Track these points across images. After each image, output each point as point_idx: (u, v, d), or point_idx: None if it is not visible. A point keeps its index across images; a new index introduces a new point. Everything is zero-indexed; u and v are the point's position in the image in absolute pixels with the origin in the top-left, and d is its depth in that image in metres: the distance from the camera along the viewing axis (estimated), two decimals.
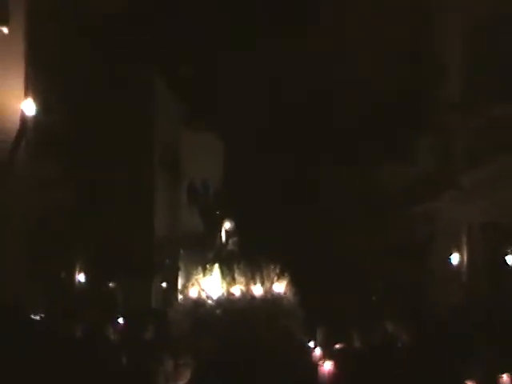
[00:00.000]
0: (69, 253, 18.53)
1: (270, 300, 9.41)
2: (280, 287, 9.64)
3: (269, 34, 23.89)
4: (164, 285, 22.86)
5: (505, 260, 17.64)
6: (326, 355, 11.32)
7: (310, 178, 24.92)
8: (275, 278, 9.68)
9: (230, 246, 10.31)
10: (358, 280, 22.39)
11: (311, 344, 11.93)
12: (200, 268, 9.87)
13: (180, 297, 10.06)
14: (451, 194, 19.51)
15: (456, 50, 19.71)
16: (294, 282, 9.81)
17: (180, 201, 23.30)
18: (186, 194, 17.96)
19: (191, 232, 20.21)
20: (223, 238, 10.43)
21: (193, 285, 9.74)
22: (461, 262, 19.13)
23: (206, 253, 11.76)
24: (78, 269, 19.21)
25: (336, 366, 11.76)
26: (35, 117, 15.15)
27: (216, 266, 9.88)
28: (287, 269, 9.83)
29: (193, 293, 9.73)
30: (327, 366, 11.27)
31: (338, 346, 12.42)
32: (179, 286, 18.01)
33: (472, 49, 18.88)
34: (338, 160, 23.77)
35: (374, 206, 22.60)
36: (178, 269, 23.08)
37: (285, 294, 9.61)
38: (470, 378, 9.60)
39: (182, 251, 23.04)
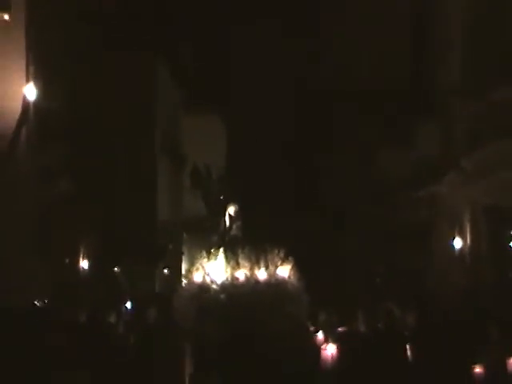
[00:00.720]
0: (72, 240, 18.56)
1: (274, 284, 9.45)
2: (284, 271, 9.69)
3: (270, 16, 23.88)
4: (167, 270, 22.92)
5: (508, 243, 17.67)
6: (330, 339, 11.37)
7: (312, 163, 24.94)
8: (279, 263, 9.71)
9: (234, 231, 10.34)
10: (361, 264, 22.45)
11: (315, 328, 11.98)
12: (204, 252, 9.91)
13: (184, 281, 10.11)
14: (453, 177, 19.51)
15: (457, 34, 19.66)
16: (297, 267, 9.84)
17: (183, 186, 23.29)
18: (189, 179, 17.89)
19: (194, 217, 20.22)
20: (227, 223, 10.46)
21: (197, 269, 9.78)
22: (463, 245, 19.14)
23: (209, 237, 11.80)
24: (82, 255, 19.27)
25: (339, 349, 11.81)
26: (36, 103, 15.13)
27: (220, 250, 9.92)
28: (291, 253, 9.85)
29: (197, 277, 9.77)
30: (330, 350, 11.32)
31: (341, 329, 12.48)
32: (183, 271, 18.04)
33: (473, 33, 18.83)
34: (340, 145, 23.79)
35: (376, 190, 22.61)
36: (181, 253, 23.14)
37: (289, 278, 9.65)
38: (478, 362, 9.64)
39: (185, 236, 23.07)
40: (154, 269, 22.25)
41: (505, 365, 10.21)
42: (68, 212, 17.64)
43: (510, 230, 17.87)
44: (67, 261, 18.69)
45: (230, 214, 10.53)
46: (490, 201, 18.29)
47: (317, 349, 11.24)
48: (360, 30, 22.57)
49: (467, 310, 15.89)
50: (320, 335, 11.99)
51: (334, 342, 11.12)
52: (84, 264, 19.41)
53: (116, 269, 20.83)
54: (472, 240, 18.96)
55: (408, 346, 12.19)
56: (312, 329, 12.10)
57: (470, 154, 18.75)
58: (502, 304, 16.62)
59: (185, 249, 23.11)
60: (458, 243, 19.23)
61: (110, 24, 20.49)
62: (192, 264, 10.16)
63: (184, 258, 22.88)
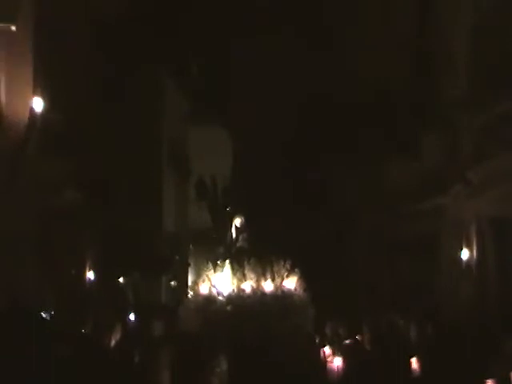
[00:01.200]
0: (77, 250, 18.55)
1: (281, 296, 9.42)
2: (291, 283, 9.65)
3: (274, 32, 23.93)
4: (174, 281, 22.89)
5: None
6: (336, 351, 11.35)
7: (318, 174, 24.93)
8: (286, 274, 9.68)
9: (240, 243, 10.31)
10: (366, 276, 22.41)
11: (321, 341, 11.97)
12: (210, 264, 9.87)
13: (191, 293, 10.08)
14: (459, 189, 19.48)
15: (464, 45, 19.67)
16: (304, 279, 9.81)
17: (189, 197, 23.30)
18: (195, 191, 17.90)
19: (200, 228, 20.23)
20: (233, 235, 10.44)
21: (203, 281, 9.75)
22: (470, 257, 19.08)
23: (215, 249, 11.79)
24: (87, 267, 19.25)
25: (345, 362, 11.77)
26: (43, 115, 15.15)
27: (227, 262, 9.88)
28: (297, 265, 9.82)
29: (203, 289, 9.74)
30: (336, 362, 11.29)
31: (347, 342, 12.44)
32: (189, 283, 18.02)
33: (480, 44, 18.84)
34: (346, 156, 23.78)
35: (383, 202, 22.58)
36: (187, 265, 23.11)
37: (295, 290, 9.61)
38: (490, 376, 9.58)
39: (191, 247, 23.06)
40: (160, 280, 22.22)
41: None
42: (73, 223, 17.63)
43: None
44: (72, 272, 18.66)
45: (236, 226, 10.52)
46: (496, 213, 18.25)
47: (323, 361, 11.22)
48: (364, 41, 22.58)
49: (474, 322, 15.87)
50: (327, 348, 11.98)
51: (341, 354, 11.10)
52: (89, 275, 19.38)
53: (121, 280, 20.81)
54: (478, 252, 18.91)
55: (414, 359, 12.16)
56: (318, 341, 12.10)
57: (476, 167, 18.72)
58: (508, 315, 16.60)
59: (191, 260, 23.09)
60: (464, 255, 19.17)
61: (119, 34, 20.52)
62: (198, 276, 10.13)
63: (190, 269, 22.86)
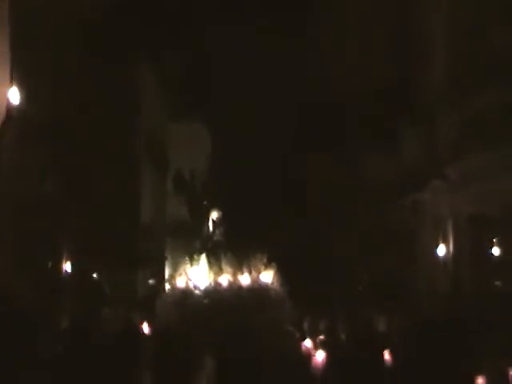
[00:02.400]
0: (54, 242, 18.44)
1: (258, 290, 9.40)
2: (267, 277, 9.63)
3: (257, 23, 23.87)
4: (150, 274, 22.83)
5: (491, 251, 17.72)
6: (318, 345, 11.37)
7: (296, 168, 24.93)
8: (262, 268, 9.66)
9: (217, 236, 10.28)
10: (344, 270, 22.45)
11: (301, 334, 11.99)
12: (187, 258, 9.84)
13: (168, 287, 10.03)
14: (437, 185, 19.55)
15: (443, 42, 19.73)
16: (280, 272, 9.80)
17: (166, 191, 23.24)
18: (173, 184, 17.86)
19: (177, 222, 20.18)
20: (210, 228, 10.41)
21: (180, 275, 9.71)
22: (447, 252, 19.18)
23: (192, 243, 11.77)
24: (64, 258, 19.15)
25: (327, 355, 11.80)
26: (20, 106, 15.03)
27: (203, 255, 9.85)
28: (274, 259, 9.81)
29: (180, 283, 9.70)
30: (319, 356, 11.31)
31: (323, 336, 12.46)
32: (166, 276, 17.99)
33: (459, 41, 18.90)
34: (325, 150, 23.78)
35: (361, 197, 22.64)
36: (164, 258, 23.06)
37: (272, 284, 9.60)
38: (479, 372, 9.59)
39: (168, 241, 23.00)
40: (137, 273, 22.15)
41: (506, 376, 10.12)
42: (50, 214, 17.52)
43: (493, 237, 17.92)
44: (47, 263, 18.54)
45: (213, 220, 10.48)
46: (474, 209, 18.35)
47: (301, 355, 11.23)
48: (346, 37, 22.60)
49: (450, 315, 15.95)
50: (308, 342, 12.03)
51: (322, 348, 11.13)
52: (66, 267, 19.28)
53: (98, 273, 20.72)
54: (455, 247, 19.00)
55: (390, 353, 12.15)
56: (296, 335, 12.12)
57: (453, 163, 18.80)
58: (484, 311, 16.70)
59: (168, 254, 23.04)
60: (441, 250, 19.26)
61: (98, 26, 20.39)
62: (175, 269, 10.09)
63: (167, 262, 22.81)
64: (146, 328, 13.30)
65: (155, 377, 10.48)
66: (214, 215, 10.42)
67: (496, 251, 17.67)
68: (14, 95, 14.67)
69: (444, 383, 10.15)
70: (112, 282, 20.26)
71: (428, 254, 19.75)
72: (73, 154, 18.94)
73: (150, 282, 22.61)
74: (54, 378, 10.71)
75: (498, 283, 17.66)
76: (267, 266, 9.70)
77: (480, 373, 9.55)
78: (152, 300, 14.42)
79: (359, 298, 19.56)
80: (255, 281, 9.47)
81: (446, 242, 19.24)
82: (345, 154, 23.38)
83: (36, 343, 10.85)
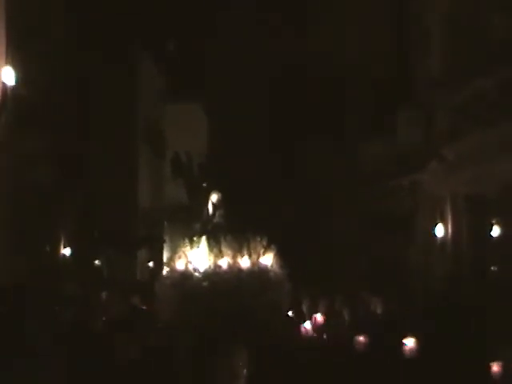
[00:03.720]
0: (53, 227, 18.44)
1: (257, 272, 9.41)
2: (267, 260, 9.64)
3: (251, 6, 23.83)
4: (149, 257, 22.83)
5: (489, 231, 17.75)
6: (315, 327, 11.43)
7: (295, 151, 24.92)
8: (262, 251, 9.66)
9: (217, 219, 10.27)
10: (343, 252, 22.50)
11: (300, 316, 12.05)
12: (187, 240, 9.83)
13: (166, 269, 10.03)
14: (434, 166, 19.56)
15: (439, 25, 19.70)
16: (280, 255, 9.80)
17: (164, 173, 23.24)
18: (170, 167, 17.84)
19: (176, 204, 20.19)
20: (210, 211, 10.39)
21: (179, 257, 9.71)
22: (445, 233, 19.21)
23: (191, 225, 11.75)
24: (62, 243, 19.16)
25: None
26: (15, 88, 14.81)
27: (203, 238, 9.84)
28: (274, 241, 9.81)
29: (180, 265, 9.71)
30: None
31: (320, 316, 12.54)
32: (165, 259, 17.98)
33: (455, 24, 18.88)
34: (323, 133, 23.78)
35: (359, 178, 22.65)
36: (163, 241, 23.06)
37: (272, 266, 9.61)
38: (497, 359, 9.58)
39: (166, 224, 23.00)
40: (136, 256, 22.15)
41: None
42: (48, 199, 17.51)
43: (491, 218, 17.95)
44: (46, 247, 18.55)
45: (212, 202, 10.47)
46: (471, 190, 18.37)
47: (300, 337, 11.27)
48: (344, 21, 22.58)
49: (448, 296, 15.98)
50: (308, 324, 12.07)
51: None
52: (65, 252, 19.29)
53: (97, 257, 20.72)
54: (453, 228, 19.04)
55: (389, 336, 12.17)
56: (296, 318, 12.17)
57: (451, 144, 18.81)
58: (482, 293, 16.75)
59: (167, 236, 23.03)
60: (439, 231, 19.29)
61: (95, 10, 20.30)
62: (174, 252, 10.09)
63: (166, 245, 22.81)
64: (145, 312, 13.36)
65: (154, 360, 10.54)
66: (214, 198, 10.41)
67: (494, 232, 17.70)
68: (9, 76, 14.20)
69: (450, 369, 10.16)
70: (111, 266, 20.29)
71: (426, 235, 19.78)
72: (70, 138, 18.92)
73: (149, 265, 22.60)
74: (54, 366, 10.71)
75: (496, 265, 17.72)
76: (267, 248, 9.71)
77: (496, 359, 9.53)
78: (151, 284, 14.44)
79: (357, 280, 19.57)
80: (255, 263, 9.48)
81: (444, 223, 19.27)
82: (343, 138, 23.39)
83: (35, 331, 10.85)
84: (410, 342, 10.07)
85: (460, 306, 14.20)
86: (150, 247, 22.50)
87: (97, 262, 20.63)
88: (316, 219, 23.71)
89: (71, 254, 19.27)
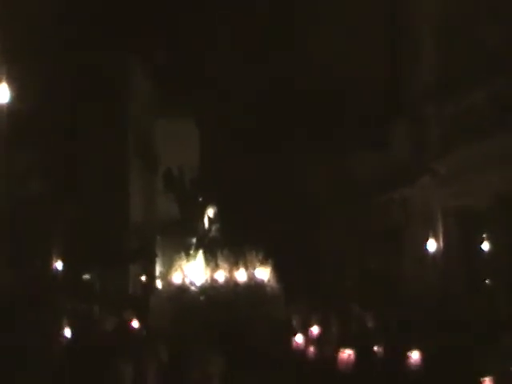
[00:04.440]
0: (44, 241, 18.39)
1: (254, 287, 9.40)
2: (263, 274, 9.64)
3: (243, 18, 23.88)
4: (142, 271, 22.76)
5: (480, 245, 17.79)
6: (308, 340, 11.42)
7: (286, 164, 24.89)
8: (258, 264, 9.66)
9: (213, 233, 10.26)
10: (333, 266, 22.47)
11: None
12: (183, 254, 9.82)
13: (162, 283, 10.01)
14: (426, 180, 19.60)
15: (430, 37, 19.78)
16: (276, 269, 9.81)
17: (156, 188, 23.22)
18: (163, 181, 17.83)
19: (168, 219, 20.16)
20: (206, 225, 10.38)
21: (176, 271, 9.69)
22: (437, 246, 19.22)
23: (185, 239, 11.77)
24: (54, 257, 19.10)
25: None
26: (9, 104, 14.83)
27: (199, 252, 9.83)
28: (269, 255, 9.82)
29: (176, 279, 9.69)
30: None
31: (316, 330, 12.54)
32: (162, 273, 17.96)
33: (446, 36, 18.96)
34: (314, 147, 23.80)
35: (350, 192, 22.64)
36: (155, 255, 23.01)
37: (268, 280, 9.60)
38: (487, 373, 9.60)
39: (162, 238, 22.93)
40: (128, 270, 22.08)
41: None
42: (39, 213, 17.47)
43: (482, 232, 17.99)
44: (39, 262, 18.49)
45: (208, 216, 10.47)
46: (462, 203, 18.41)
47: (296, 349, 11.27)
48: (334, 33, 22.61)
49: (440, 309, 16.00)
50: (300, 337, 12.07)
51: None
52: (57, 265, 19.23)
53: (89, 271, 20.65)
54: (444, 242, 19.06)
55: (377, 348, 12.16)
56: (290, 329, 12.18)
57: (442, 157, 18.86)
58: (473, 305, 16.77)
59: (162, 251, 22.97)
60: (431, 246, 19.30)
61: (86, 23, 20.31)
62: (168, 266, 10.08)
63: (162, 259, 22.75)
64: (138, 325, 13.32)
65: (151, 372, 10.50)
66: (210, 212, 10.40)
67: (485, 246, 17.74)
68: (3, 93, 14.28)
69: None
70: (102, 280, 20.22)
71: (417, 249, 19.79)
72: (62, 152, 18.90)
73: (142, 279, 22.55)
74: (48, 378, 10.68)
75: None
76: (263, 262, 9.71)
77: (487, 374, 9.54)
78: (144, 298, 14.40)
79: (348, 295, 19.56)
80: (251, 277, 9.48)
81: (435, 236, 19.30)
82: (334, 151, 23.38)
83: (27, 345, 10.83)
84: (415, 355, 10.05)
85: (451, 319, 14.24)
86: (142, 261, 22.44)
87: (88, 276, 20.58)
88: (307, 233, 23.70)
89: (63, 268, 19.21)
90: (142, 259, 22.37)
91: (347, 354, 10.85)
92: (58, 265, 19.24)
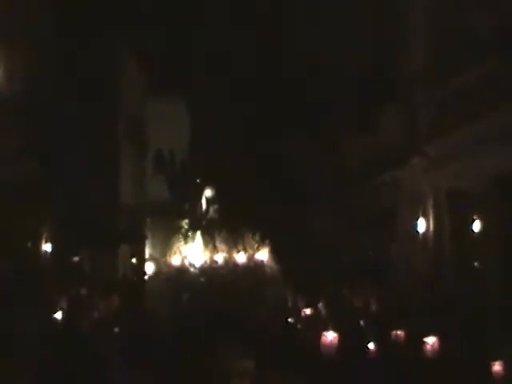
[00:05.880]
0: (34, 224, 18.27)
1: (253, 268, 9.35)
2: (262, 255, 9.59)
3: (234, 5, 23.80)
4: (131, 254, 22.66)
5: (471, 227, 17.82)
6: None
7: (278, 149, 24.87)
8: (256, 246, 9.60)
9: (211, 214, 10.20)
10: (324, 250, 22.48)
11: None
12: (180, 236, 9.75)
13: (159, 265, 9.93)
14: (416, 162, 19.59)
15: (419, 20, 19.74)
16: (273, 251, 9.75)
17: (146, 170, 23.16)
18: (153, 163, 17.77)
19: (159, 201, 20.10)
20: (203, 206, 10.32)
21: (175, 253, 9.62)
22: (427, 229, 19.25)
23: (175, 221, 11.70)
24: (43, 240, 18.98)
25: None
26: None
27: (197, 234, 9.77)
28: (266, 237, 9.76)
29: (175, 261, 9.62)
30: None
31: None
32: (158, 255, 17.90)
33: (435, 20, 18.92)
34: (305, 130, 23.79)
35: (341, 175, 22.65)
36: (145, 238, 22.94)
37: (267, 261, 9.55)
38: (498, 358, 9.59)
39: (149, 220, 22.88)
40: (117, 253, 21.98)
41: None
42: (28, 195, 17.34)
43: (472, 214, 18.02)
44: (27, 245, 18.37)
45: (206, 198, 10.40)
46: (453, 185, 18.42)
47: (295, 332, 11.25)
48: (321, 19, 22.57)
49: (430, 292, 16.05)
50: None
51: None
52: (46, 248, 19.12)
53: (79, 254, 20.55)
54: (435, 224, 19.08)
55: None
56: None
57: (433, 140, 18.84)
58: (464, 288, 16.83)
59: (152, 233, 22.89)
60: (421, 227, 19.31)
61: (77, 8, 20.15)
62: (165, 248, 10.01)
63: (152, 242, 22.68)
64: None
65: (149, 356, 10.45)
66: (208, 193, 10.33)
67: (476, 227, 17.77)
68: None
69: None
70: (93, 263, 20.12)
71: (408, 231, 19.81)
72: (51, 134, 18.75)
73: (132, 261, 22.46)
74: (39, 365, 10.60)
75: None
76: (261, 243, 9.66)
77: (497, 358, 9.53)
78: (137, 281, 14.32)
79: (340, 277, 19.56)
80: (250, 259, 9.43)
81: (426, 218, 19.31)
82: (325, 134, 23.37)
83: (17, 331, 10.74)
84: (431, 341, 9.98)
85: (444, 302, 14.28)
86: (132, 244, 22.35)
87: (77, 258, 20.47)
88: (299, 218, 23.70)
89: (52, 251, 19.11)
90: (131, 241, 22.27)
91: (331, 336, 10.81)
92: (47, 247, 19.13)
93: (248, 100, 24.56)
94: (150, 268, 14.79)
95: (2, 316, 10.89)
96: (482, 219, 17.50)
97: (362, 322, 12.21)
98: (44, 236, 19.07)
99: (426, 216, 19.29)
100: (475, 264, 17.78)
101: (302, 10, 23.56)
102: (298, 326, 12.07)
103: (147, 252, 21.70)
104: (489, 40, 16.62)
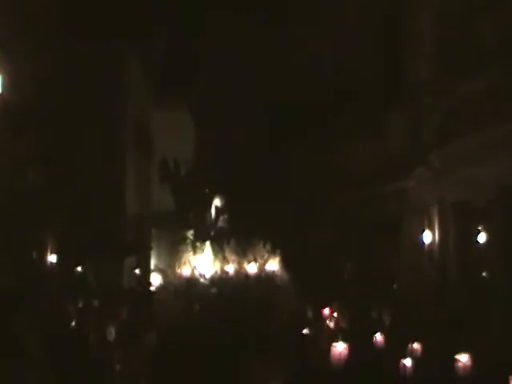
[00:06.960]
0: (39, 233, 18.21)
1: (264, 278, 9.31)
2: (273, 265, 9.55)
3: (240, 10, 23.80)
4: (136, 264, 22.58)
5: (474, 237, 17.81)
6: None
7: (282, 156, 24.83)
8: (266, 256, 9.56)
9: (220, 224, 10.16)
10: (330, 259, 22.43)
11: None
12: (189, 247, 9.70)
13: (168, 276, 9.88)
14: (422, 172, 19.60)
15: (428, 28, 19.75)
16: (282, 261, 9.71)
17: (152, 179, 23.08)
18: (158, 172, 17.71)
19: (164, 210, 20.00)
20: (213, 216, 10.28)
21: (184, 264, 9.58)
22: (432, 240, 19.23)
23: (180, 231, 11.66)
24: (49, 249, 18.92)
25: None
26: (4, 93, 14.69)
27: (206, 244, 9.72)
28: (276, 247, 9.72)
29: (185, 271, 9.57)
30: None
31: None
32: (168, 265, 17.83)
33: (444, 27, 18.93)
34: (310, 138, 23.75)
35: (346, 184, 22.61)
36: (150, 248, 22.84)
37: (278, 272, 9.51)
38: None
39: (154, 230, 22.79)
40: (123, 263, 21.90)
41: None
42: (35, 204, 17.29)
43: (477, 224, 18.01)
44: (32, 254, 18.30)
45: (216, 207, 10.36)
46: (458, 196, 18.41)
47: (307, 343, 11.20)
48: (332, 23, 22.55)
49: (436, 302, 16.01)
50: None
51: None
52: (51, 258, 19.05)
53: (84, 264, 20.45)
54: (440, 234, 19.06)
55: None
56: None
57: (438, 150, 18.85)
58: (469, 298, 16.81)
59: (157, 243, 22.79)
60: (427, 238, 19.30)
61: (82, 12, 20.16)
62: (173, 259, 9.96)
63: (157, 252, 22.58)
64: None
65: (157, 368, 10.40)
66: (217, 202, 10.29)
67: (481, 238, 17.75)
68: None
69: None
70: (98, 273, 20.03)
71: (413, 242, 19.78)
72: (56, 143, 18.72)
73: (136, 272, 22.37)
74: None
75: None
76: (271, 253, 9.61)
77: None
78: (144, 291, 14.24)
79: (346, 288, 19.53)
80: (261, 269, 9.39)
81: (431, 229, 19.29)
82: (331, 142, 23.34)
83: (21, 340, 10.70)
84: (463, 358, 9.88)
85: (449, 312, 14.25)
86: (136, 254, 22.26)
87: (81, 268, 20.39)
88: (303, 226, 23.66)
89: (57, 261, 19.04)
90: (137, 252, 22.18)
91: (341, 347, 10.77)
92: (52, 257, 19.07)
93: (257, 108, 24.57)
94: (155, 279, 14.75)
95: (7, 327, 10.85)
96: (487, 230, 17.50)
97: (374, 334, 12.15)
98: (48, 246, 19.01)
99: (431, 227, 19.28)
100: (481, 274, 17.77)
101: (311, 14, 23.57)
102: (311, 337, 12.03)
103: (152, 263, 21.59)
104: (493, 49, 16.67)
